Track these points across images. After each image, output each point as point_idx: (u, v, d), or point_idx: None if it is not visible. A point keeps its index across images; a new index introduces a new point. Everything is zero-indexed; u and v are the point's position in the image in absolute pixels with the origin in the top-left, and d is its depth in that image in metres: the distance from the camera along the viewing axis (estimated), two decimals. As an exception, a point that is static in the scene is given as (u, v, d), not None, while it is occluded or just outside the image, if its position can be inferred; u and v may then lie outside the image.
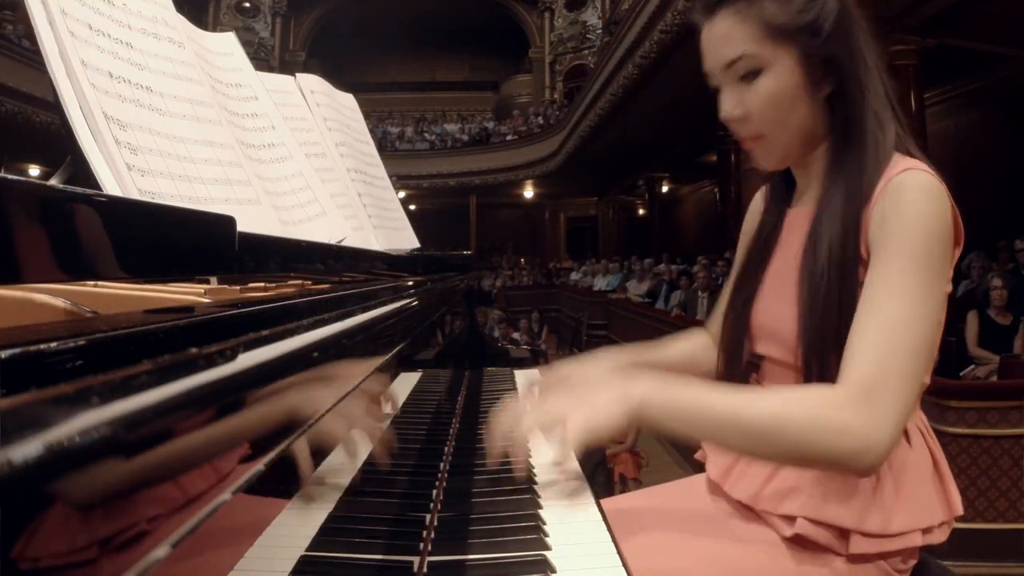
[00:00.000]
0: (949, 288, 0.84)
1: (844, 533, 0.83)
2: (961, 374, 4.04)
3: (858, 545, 0.82)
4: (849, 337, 0.79)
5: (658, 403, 0.79)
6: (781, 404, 0.78)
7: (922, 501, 0.84)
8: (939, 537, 0.85)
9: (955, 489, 0.88)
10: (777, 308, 0.92)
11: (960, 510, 0.87)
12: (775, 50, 0.83)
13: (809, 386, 0.83)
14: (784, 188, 1.00)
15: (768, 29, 0.83)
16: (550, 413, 0.82)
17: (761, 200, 1.06)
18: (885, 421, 0.75)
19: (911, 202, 0.80)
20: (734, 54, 0.84)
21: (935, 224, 0.79)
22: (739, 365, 0.98)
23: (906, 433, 0.87)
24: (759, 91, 0.85)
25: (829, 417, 0.75)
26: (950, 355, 4.16)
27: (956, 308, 4.89)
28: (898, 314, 0.78)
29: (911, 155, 0.86)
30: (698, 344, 1.16)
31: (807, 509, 0.84)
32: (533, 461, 0.98)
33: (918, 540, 0.83)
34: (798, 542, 0.85)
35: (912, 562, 0.87)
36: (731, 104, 0.87)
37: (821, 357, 0.84)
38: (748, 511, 0.93)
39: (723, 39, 0.85)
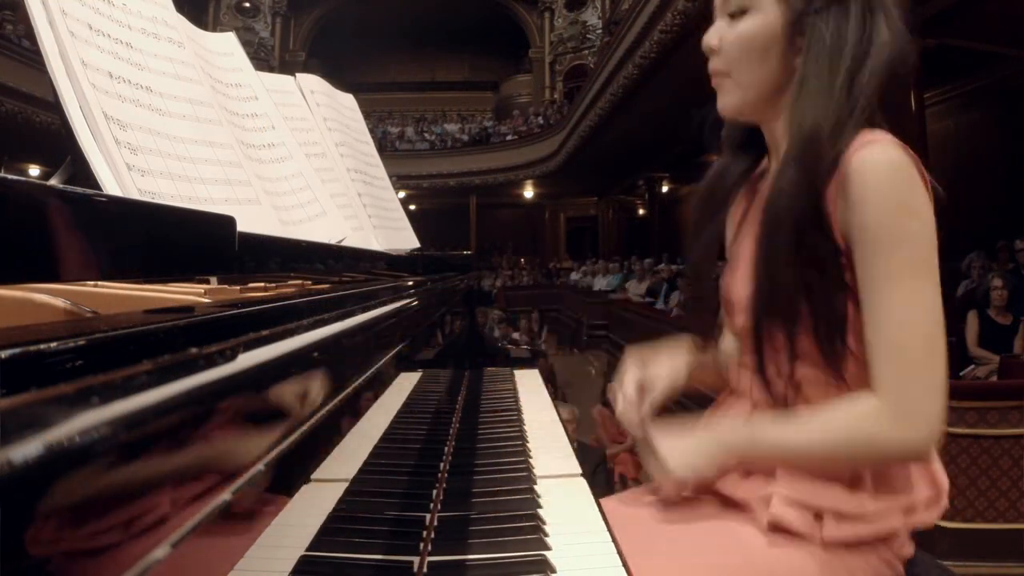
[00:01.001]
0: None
1: (819, 516, 0.83)
2: (961, 374, 4.03)
3: (830, 530, 0.82)
4: (867, 339, 0.82)
5: (744, 452, 0.88)
6: (838, 433, 0.83)
7: (901, 481, 0.85)
8: (925, 518, 0.85)
9: (936, 471, 0.88)
10: (742, 279, 0.93)
11: (940, 491, 0.87)
12: (769, 2, 0.87)
13: (852, 402, 0.84)
14: (750, 167, 1.01)
15: None
16: (652, 447, 0.90)
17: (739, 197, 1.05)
18: (923, 418, 0.81)
19: (882, 186, 0.79)
20: None
21: (912, 203, 0.80)
22: (705, 324, 1.01)
23: None
24: (739, 29, 0.88)
25: (878, 437, 0.81)
26: (950, 355, 4.16)
27: (956, 308, 4.89)
28: (907, 307, 0.80)
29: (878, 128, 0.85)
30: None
31: (782, 487, 0.85)
32: (533, 462, 0.98)
33: (898, 521, 0.83)
34: (779, 532, 0.85)
35: (906, 551, 0.87)
36: (712, 34, 0.91)
37: (770, 322, 0.86)
38: (738, 506, 0.93)
39: None
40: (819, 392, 0.87)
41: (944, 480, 0.88)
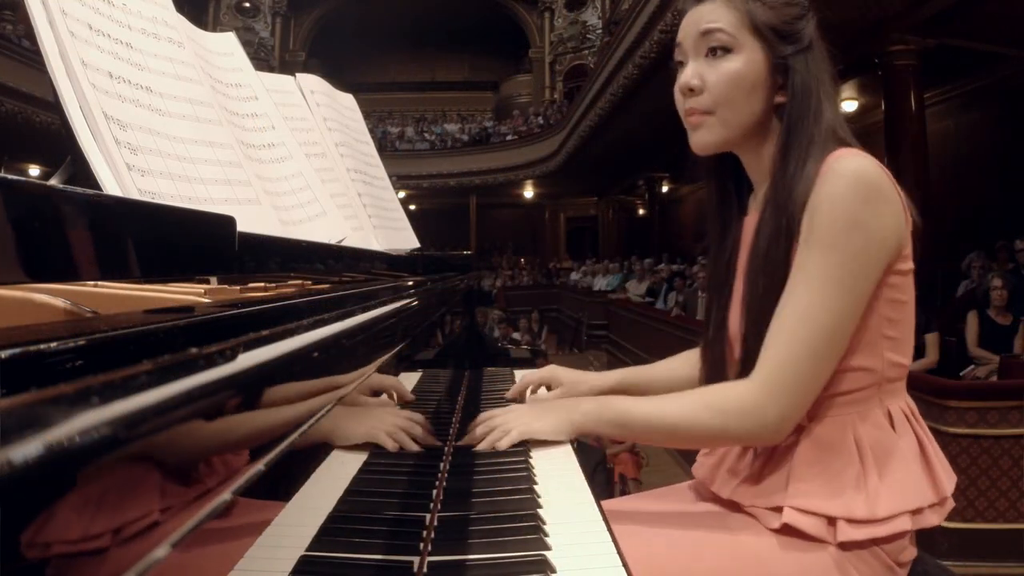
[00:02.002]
0: (908, 266, 0.87)
1: (832, 521, 0.84)
2: (961, 374, 4.03)
3: (846, 532, 0.83)
4: (770, 327, 0.85)
5: (595, 420, 0.95)
6: (690, 403, 0.89)
7: (909, 484, 0.85)
8: (932, 520, 0.86)
9: (944, 471, 0.89)
10: (737, 314, 0.95)
11: (948, 491, 0.87)
12: (751, 40, 0.88)
13: (720, 384, 0.90)
14: (733, 199, 1.03)
15: (751, 22, 0.88)
16: (498, 424, 1.00)
17: (716, 228, 1.07)
18: (783, 399, 0.83)
19: (834, 191, 0.82)
20: (713, 25, 0.89)
21: (854, 210, 0.81)
22: (722, 378, 1.00)
23: (891, 419, 0.88)
24: (723, 68, 0.89)
25: (731, 406, 0.85)
26: (950, 355, 4.16)
27: (956, 308, 4.89)
28: (808, 303, 0.83)
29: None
30: (685, 363, 1.18)
31: (793, 499, 0.85)
32: (533, 462, 0.98)
33: (908, 524, 0.83)
34: (790, 534, 0.86)
35: (910, 554, 0.87)
36: (692, 74, 0.91)
37: (757, 348, 0.88)
38: (739, 508, 0.94)
39: (708, 13, 0.90)
40: (815, 404, 0.87)
41: (947, 484, 0.88)
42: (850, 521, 0.83)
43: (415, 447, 0.80)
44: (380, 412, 0.78)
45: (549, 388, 1.24)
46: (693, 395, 0.91)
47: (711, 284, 1.05)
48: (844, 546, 0.83)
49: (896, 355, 0.88)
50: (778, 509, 0.86)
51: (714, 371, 1.01)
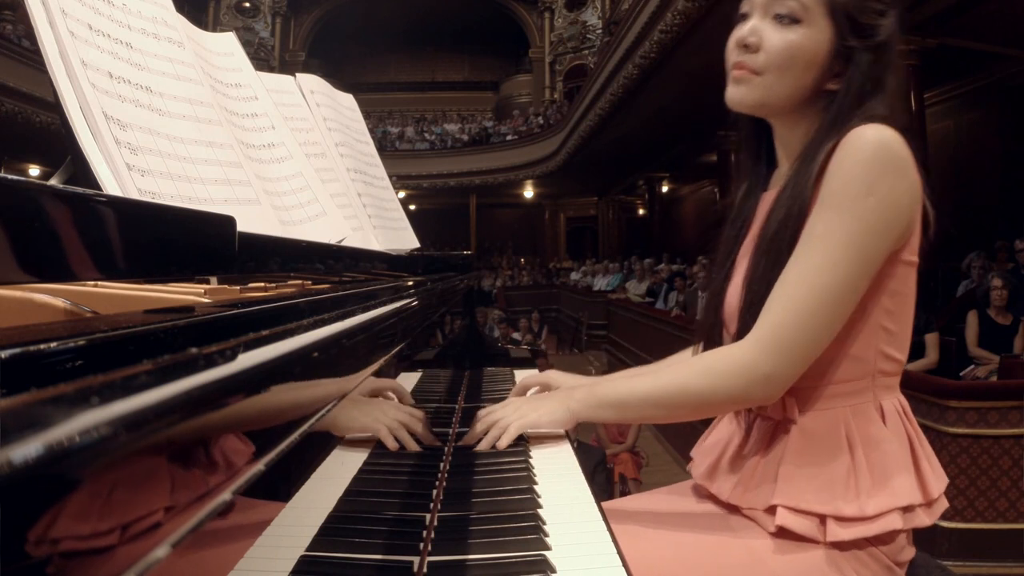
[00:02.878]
0: (913, 258, 0.86)
1: (823, 520, 0.84)
2: (961, 374, 4.03)
3: (835, 532, 0.82)
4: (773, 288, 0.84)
5: (591, 404, 0.94)
6: (682, 370, 0.89)
7: (899, 482, 0.84)
8: (923, 520, 0.85)
9: (934, 473, 0.88)
10: (737, 291, 0.94)
11: (936, 493, 0.86)
12: (821, 19, 0.86)
13: (713, 350, 0.90)
14: (759, 173, 1.02)
15: (828, 3, 0.86)
16: (495, 419, 0.99)
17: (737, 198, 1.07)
18: (775, 357, 0.82)
19: (853, 156, 0.81)
20: None
21: (872, 176, 0.80)
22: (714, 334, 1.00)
23: (882, 413, 0.87)
24: (785, 36, 0.87)
25: (721, 365, 0.85)
26: (950, 355, 4.16)
27: (956, 308, 4.89)
28: (812, 264, 0.82)
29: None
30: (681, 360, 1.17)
31: (784, 498, 0.85)
32: (533, 462, 0.98)
33: (899, 522, 0.83)
34: (783, 535, 0.86)
35: (907, 554, 0.87)
36: (752, 30, 0.89)
37: (752, 324, 0.86)
38: (737, 510, 0.93)
39: None
40: (806, 393, 0.88)
41: (935, 485, 0.87)
42: (839, 519, 0.83)
43: (415, 446, 0.80)
44: (383, 405, 0.79)
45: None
46: (685, 363, 0.91)
47: (718, 255, 1.03)
48: (836, 546, 0.83)
49: (891, 349, 0.87)
50: (771, 510, 0.86)
51: (709, 343, 1.00)
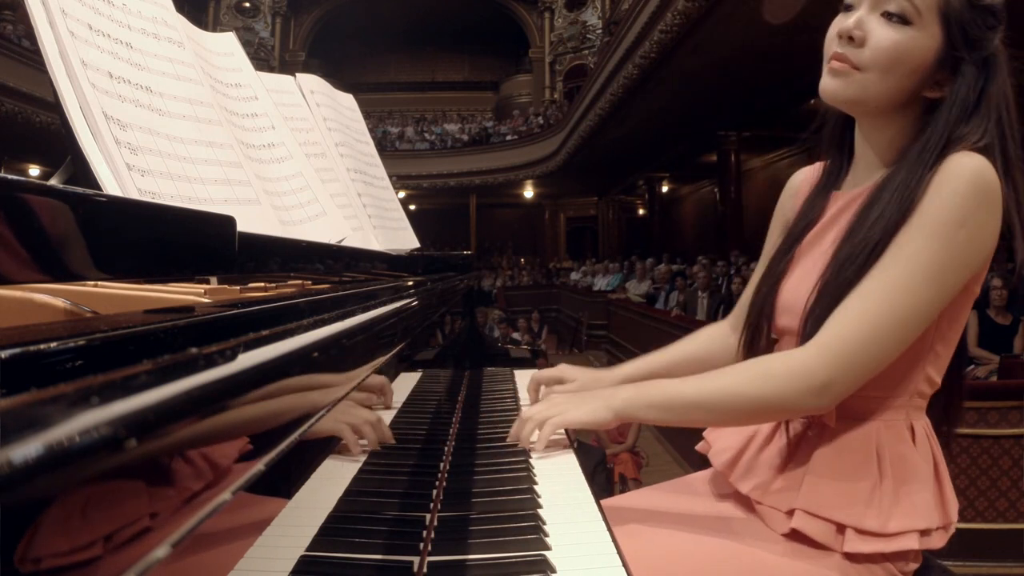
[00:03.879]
0: (976, 289, 0.85)
1: (841, 529, 0.83)
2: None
3: (853, 543, 0.82)
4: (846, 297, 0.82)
5: (639, 404, 0.90)
6: (734, 374, 0.86)
7: (921, 503, 0.84)
8: (937, 543, 0.85)
9: (952, 495, 0.88)
10: (802, 285, 0.91)
11: (954, 517, 0.87)
12: (933, 24, 0.84)
13: (766, 355, 0.88)
14: (836, 171, 0.99)
15: (944, 5, 0.83)
16: (532, 415, 0.96)
17: (803, 183, 1.05)
18: (834, 368, 0.79)
19: (952, 185, 0.79)
20: None
21: (968, 208, 0.79)
22: (759, 344, 0.98)
23: (913, 433, 0.87)
24: (893, 35, 0.84)
25: (777, 370, 0.82)
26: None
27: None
28: (892, 284, 0.80)
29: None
30: (705, 341, 1.17)
31: (807, 503, 0.85)
32: (533, 462, 0.98)
33: (915, 543, 0.82)
34: (796, 539, 0.85)
35: (914, 566, 0.87)
36: (858, 23, 0.86)
37: (821, 321, 0.84)
38: (747, 508, 0.93)
39: None
40: (845, 402, 0.85)
41: (953, 510, 0.87)
42: (859, 532, 0.82)
43: (376, 444, 0.75)
44: (344, 406, 0.74)
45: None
46: (737, 367, 0.88)
47: (776, 249, 1.01)
48: (849, 557, 0.83)
49: (935, 372, 0.87)
50: (789, 513, 0.86)
51: (755, 337, 0.98)
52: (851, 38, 0.86)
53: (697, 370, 1.08)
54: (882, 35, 0.84)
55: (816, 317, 0.85)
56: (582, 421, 0.93)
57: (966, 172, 0.79)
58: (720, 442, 1.00)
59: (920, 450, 0.87)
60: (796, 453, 0.90)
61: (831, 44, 0.88)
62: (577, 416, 0.93)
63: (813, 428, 0.89)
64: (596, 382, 1.13)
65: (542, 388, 1.21)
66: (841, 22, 0.88)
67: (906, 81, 0.85)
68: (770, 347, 0.98)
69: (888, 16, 0.84)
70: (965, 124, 0.84)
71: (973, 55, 0.84)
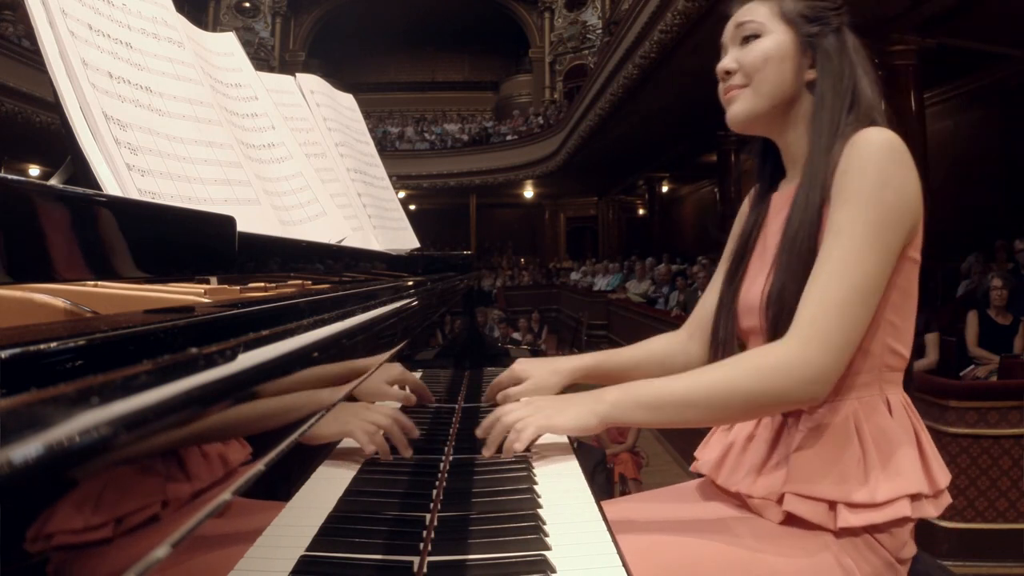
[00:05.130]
0: (917, 256, 0.89)
1: (832, 506, 0.85)
2: (961, 374, 4.03)
3: (845, 518, 0.83)
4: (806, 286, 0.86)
5: (626, 407, 0.90)
6: (727, 367, 0.88)
7: (906, 469, 0.86)
8: (929, 511, 0.86)
9: (939, 466, 0.89)
10: (756, 285, 0.97)
11: (942, 484, 0.88)
12: (780, 27, 0.97)
13: (755, 348, 0.90)
14: (770, 176, 1.07)
15: (780, 10, 0.97)
16: (512, 421, 0.92)
17: (747, 202, 1.12)
18: (823, 355, 0.82)
19: (864, 154, 0.86)
20: (746, 18, 0.98)
21: (886, 171, 0.85)
22: (731, 349, 1.01)
23: (889, 405, 0.89)
24: (754, 48, 0.97)
25: (769, 361, 0.84)
26: (950, 355, 4.16)
27: (956, 308, 4.89)
28: (841, 259, 0.84)
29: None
30: (663, 345, 1.19)
31: (795, 485, 0.86)
32: (533, 461, 0.98)
33: (907, 509, 0.84)
34: (792, 524, 0.87)
35: (908, 551, 0.87)
36: (729, 59, 1.00)
37: (785, 314, 0.88)
38: (741, 507, 0.94)
39: (745, 10, 1.00)
40: None
41: (941, 477, 0.88)
42: (849, 506, 0.84)
43: (388, 453, 0.74)
44: (356, 408, 0.73)
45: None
46: (727, 363, 0.89)
47: (731, 262, 1.07)
48: (843, 533, 0.84)
49: (897, 344, 0.90)
50: (780, 500, 0.87)
51: (724, 343, 1.02)
52: (728, 71, 0.99)
53: (657, 372, 1.12)
54: (747, 55, 0.98)
55: (775, 309, 0.90)
56: (568, 427, 0.91)
57: (875, 141, 0.86)
58: (704, 453, 1.03)
59: (898, 421, 0.89)
60: (778, 443, 0.92)
61: (720, 87, 1.01)
62: (563, 421, 0.91)
63: (792, 415, 0.92)
64: (547, 377, 1.11)
65: (500, 395, 1.15)
66: (720, 63, 1.00)
67: (784, 72, 0.96)
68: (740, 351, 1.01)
69: (745, 40, 0.98)
70: (849, 97, 0.93)
71: (823, 27, 0.96)
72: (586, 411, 0.90)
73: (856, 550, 0.84)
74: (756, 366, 0.85)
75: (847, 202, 0.85)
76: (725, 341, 1.02)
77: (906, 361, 0.92)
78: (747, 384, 0.84)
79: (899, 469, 0.85)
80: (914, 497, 0.85)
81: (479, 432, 0.97)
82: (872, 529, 0.84)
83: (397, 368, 0.87)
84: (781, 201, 1.00)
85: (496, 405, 1.15)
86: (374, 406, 0.78)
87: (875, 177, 0.84)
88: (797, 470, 0.87)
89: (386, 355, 0.68)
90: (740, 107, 0.98)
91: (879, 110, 0.93)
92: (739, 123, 0.99)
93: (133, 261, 0.43)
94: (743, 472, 0.93)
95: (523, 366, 1.15)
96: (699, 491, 1.04)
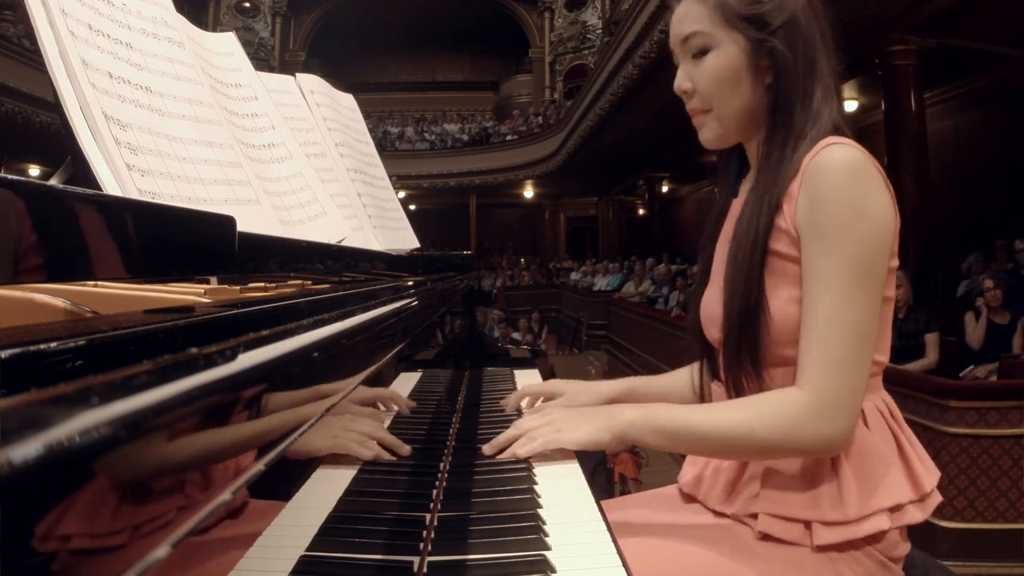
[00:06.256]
0: (894, 263, 0.88)
1: (808, 525, 0.84)
2: (961, 374, 4.03)
3: (821, 535, 0.83)
4: (801, 333, 0.84)
5: (644, 429, 0.90)
6: (745, 412, 0.85)
7: (884, 482, 0.84)
8: (915, 516, 0.85)
9: (925, 467, 0.88)
10: (712, 295, 0.96)
11: (928, 487, 0.87)
12: (725, 33, 0.90)
13: (771, 393, 0.87)
14: (734, 180, 1.05)
15: (722, 14, 0.90)
16: (526, 429, 0.96)
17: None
18: (838, 413, 0.81)
19: (833, 182, 0.82)
20: (688, 31, 0.92)
21: (858, 201, 0.82)
22: (715, 363, 1.00)
23: (864, 417, 0.87)
24: (705, 67, 0.92)
25: (794, 426, 0.82)
26: (950, 355, 4.16)
27: (956, 308, 4.89)
28: (832, 304, 0.82)
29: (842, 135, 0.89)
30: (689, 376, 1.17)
31: (768, 505, 0.86)
32: (533, 461, 0.98)
33: (885, 523, 0.83)
34: (770, 538, 0.86)
35: (901, 549, 0.87)
36: (682, 77, 0.94)
37: (741, 333, 0.88)
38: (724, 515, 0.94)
39: (683, 17, 0.93)
40: None
41: (927, 480, 0.87)
42: (824, 524, 0.83)
43: (387, 455, 0.73)
44: (341, 421, 0.72)
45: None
46: (745, 406, 0.87)
47: (699, 272, 1.07)
48: (825, 548, 0.83)
49: (875, 354, 0.88)
50: (754, 516, 0.87)
51: (702, 347, 1.02)
52: (685, 92, 0.95)
53: (691, 400, 1.09)
54: (699, 74, 0.92)
55: (726, 327, 0.90)
56: (580, 442, 0.93)
57: (838, 164, 0.83)
58: (688, 467, 1.02)
59: (876, 431, 0.87)
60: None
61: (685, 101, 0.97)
62: (575, 437, 0.93)
63: None
64: (576, 396, 1.14)
65: (526, 400, 1.22)
66: (675, 81, 0.96)
67: (742, 91, 0.91)
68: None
69: (695, 57, 0.92)
70: (807, 99, 0.89)
71: (770, 29, 0.89)
72: (600, 427, 0.92)
73: (849, 556, 0.83)
74: (775, 416, 0.83)
75: (824, 239, 0.82)
76: (705, 352, 1.02)
77: (883, 366, 0.91)
78: (764, 435, 0.83)
79: (876, 484, 0.84)
80: (893, 509, 0.84)
81: (496, 440, 0.99)
82: (851, 544, 0.83)
83: (366, 391, 0.83)
84: (739, 205, 0.97)
85: (512, 413, 1.16)
86: (359, 417, 0.76)
87: (849, 209, 0.81)
88: (770, 490, 0.86)
89: (386, 355, 0.68)
90: (709, 135, 0.95)
91: (836, 109, 0.90)
92: (712, 147, 0.97)
93: (133, 261, 0.43)
94: (718, 491, 0.92)
95: (558, 384, 1.18)
96: (678, 498, 1.04)
